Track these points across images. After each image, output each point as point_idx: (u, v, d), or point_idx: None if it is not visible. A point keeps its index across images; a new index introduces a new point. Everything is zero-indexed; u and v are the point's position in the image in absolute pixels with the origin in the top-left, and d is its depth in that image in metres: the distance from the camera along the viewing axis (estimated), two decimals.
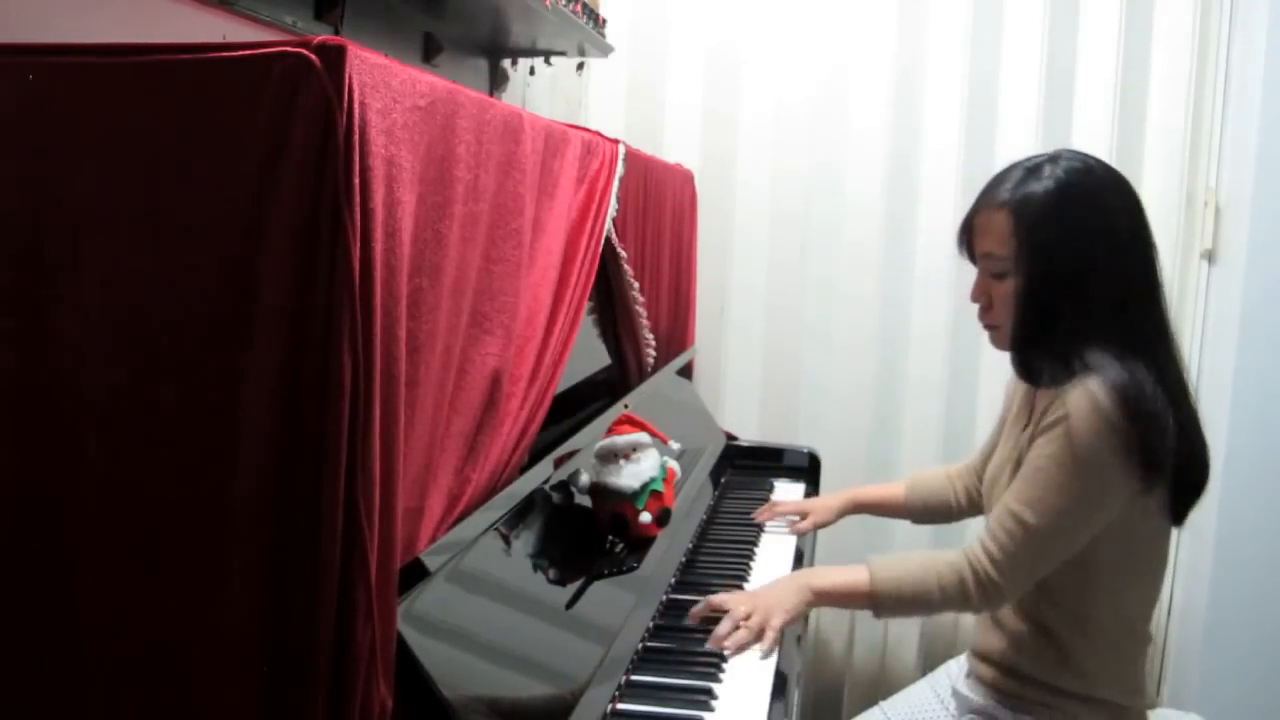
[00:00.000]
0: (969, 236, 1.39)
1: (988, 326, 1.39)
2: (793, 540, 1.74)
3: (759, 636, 1.30)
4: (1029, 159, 1.35)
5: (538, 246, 1.12)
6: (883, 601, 1.34)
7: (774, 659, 1.27)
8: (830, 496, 1.85)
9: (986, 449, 1.64)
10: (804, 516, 1.79)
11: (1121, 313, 1.29)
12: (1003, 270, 1.32)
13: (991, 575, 1.28)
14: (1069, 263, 1.29)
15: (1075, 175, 1.30)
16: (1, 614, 0.75)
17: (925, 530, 2.24)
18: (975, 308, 1.41)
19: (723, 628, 1.31)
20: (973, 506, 1.69)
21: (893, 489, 1.78)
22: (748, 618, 1.31)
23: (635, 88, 2.38)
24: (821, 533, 1.89)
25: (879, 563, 1.36)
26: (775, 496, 1.97)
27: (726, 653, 1.28)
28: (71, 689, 0.74)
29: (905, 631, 2.34)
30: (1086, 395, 1.24)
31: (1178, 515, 1.34)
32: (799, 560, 1.67)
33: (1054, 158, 1.33)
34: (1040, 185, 1.30)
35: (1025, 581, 1.30)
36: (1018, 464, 1.34)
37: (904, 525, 2.19)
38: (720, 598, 1.37)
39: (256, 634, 0.70)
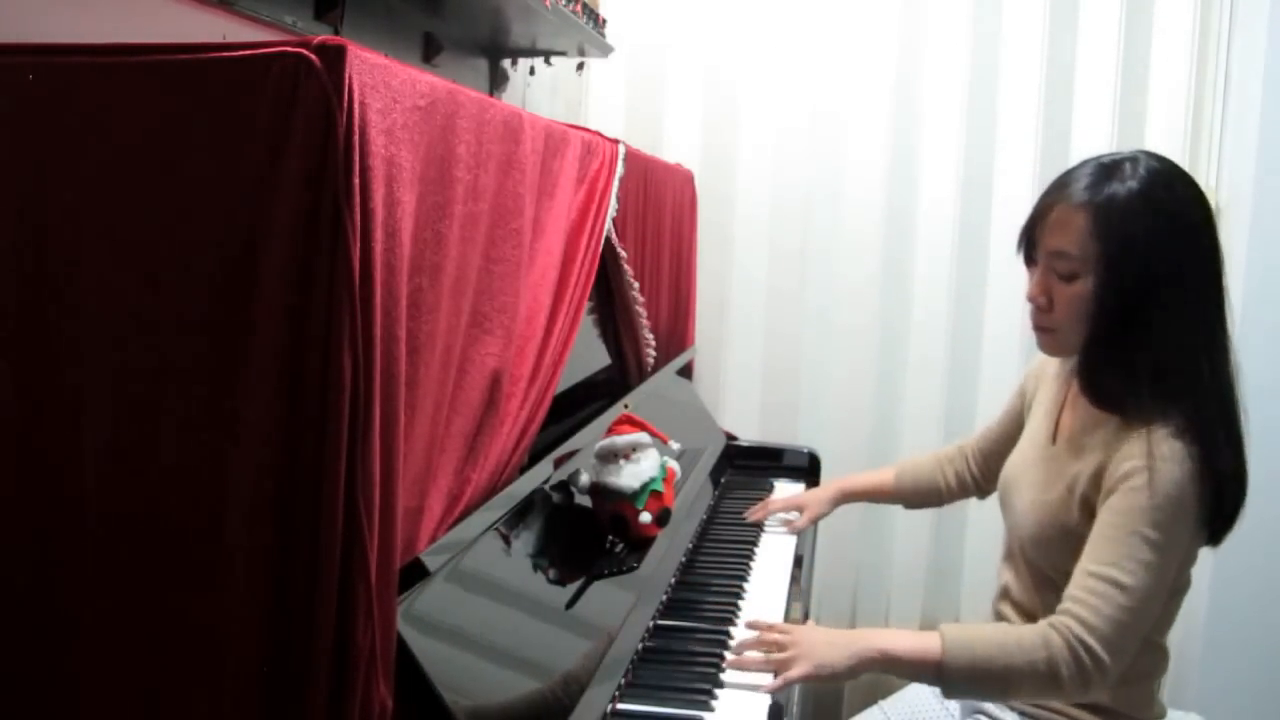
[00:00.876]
0: (1033, 233, 1.31)
1: (1042, 329, 1.32)
2: (793, 541, 1.74)
3: (772, 670, 1.23)
4: (1103, 156, 1.30)
5: (538, 246, 1.12)
6: (951, 668, 1.18)
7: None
8: (821, 489, 1.86)
9: (990, 435, 1.64)
10: (800, 512, 1.81)
11: (1200, 333, 1.24)
12: (1073, 272, 1.25)
13: (1092, 645, 1.15)
14: (1154, 271, 1.21)
15: (1160, 178, 1.24)
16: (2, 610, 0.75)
17: (925, 527, 2.25)
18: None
19: (749, 640, 1.28)
20: (963, 490, 1.69)
21: (882, 475, 1.79)
22: (781, 648, 1.24)
23: (635, 88, 2.38)
24: (821, 532, 1.89)
25: (951, 628, 1.22)
26: (774, 496, 1.97)
27: (727, 664, 1.25)
28: (70, 688, 0.74)
29: None
30: (1167, 446, 1.19)
31: (1215, 536, 1.29)
32: (799, 561, 1.67)
33: (1133, 158, 1.27)
34: (1124, 186, 1.23)
35: (1129, 650, 1.18)
36: (1069, 487, 1.29)
37: (903, 520, 2.21)
38: (777, 625, 1.31)
39: (256, 634, 0.70)
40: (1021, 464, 1.43)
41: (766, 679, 1.22)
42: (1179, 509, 1.19)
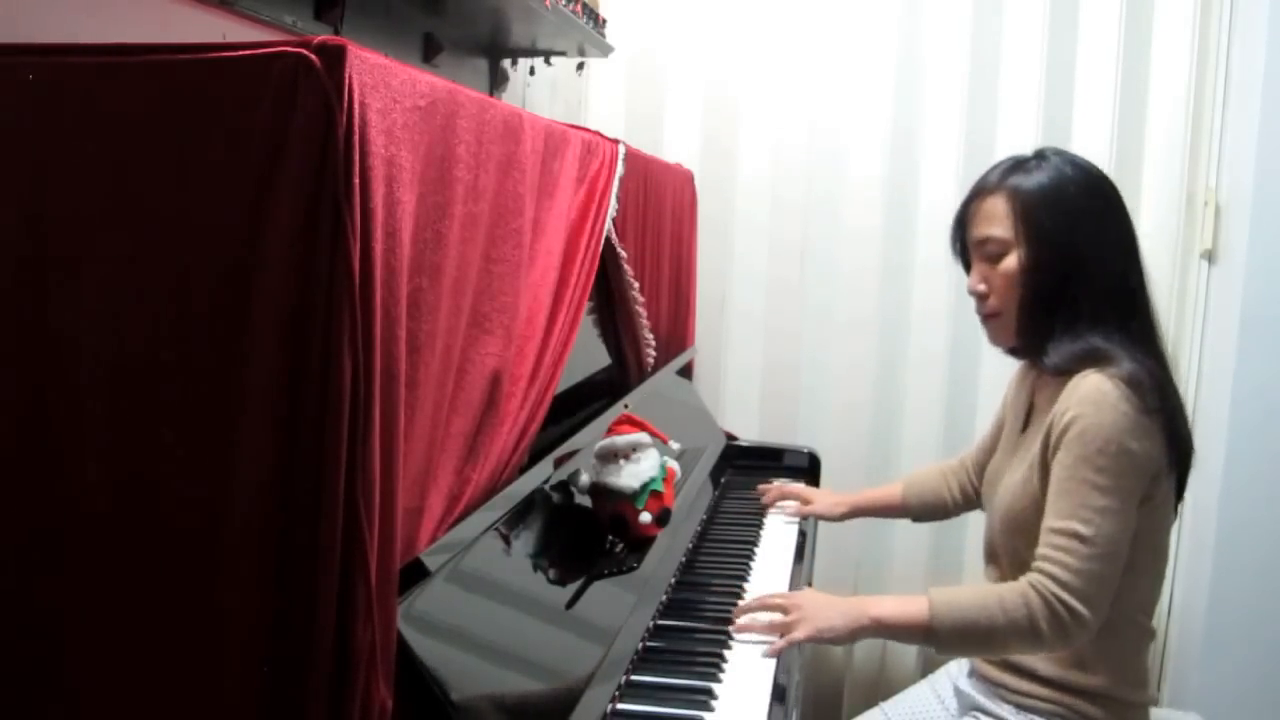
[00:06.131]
0: (963, 233, 1.43)
1: (988, 317, 1.40)
2: (793, 540, 1.75)
3: (775, 633, 1.29)
4: (1013, 156, 1.42)
5: (538, 246, 1.12)
6: (940, 628, 1.25)
7: (773, 658, 1.27)
8: (836, 496, 1.88)
9: (983, 446, 1.66)
10: (808, 503, 1.84)
11: (1117, 290, 1.32)
12: (1002, 251, 1.35)
13: (1068, 600, 1.21)
14: (1068, 232, 1.32)
15: (1064, 162, 1.37)
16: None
17: (926, 525, 2.25)
18: (974, 307, 1.41)
19: (751, 603, 1.33)
20: (968, 502, 1.71)
21: (890, 491, 1.81)
22: (783, 610, 1.31)
23: (635, 88, 2.38)
24: (821, 530, 1.89)
25: (938, 591, 1.30)
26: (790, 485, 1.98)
27: (733, 629, 1.30)
28: (70, 688, 0.74)
29: None
30: (1094, 390, 1.25)
31: (1177, 498, 1.35)
32: (800, 558, 1.68)
33: (1040, 153, 1.40)
34: (1034, 166, 1.37)
35: (1105, 596, 1.23)
36: (1030, 465, 1.33)
37: (902, 523, 2.20)
38: (779, 592, 1.38)
39: (257, 634, 0.70)
40: (999, 459, 1.49)
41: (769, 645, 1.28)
42: (1120, 450, 1.23)
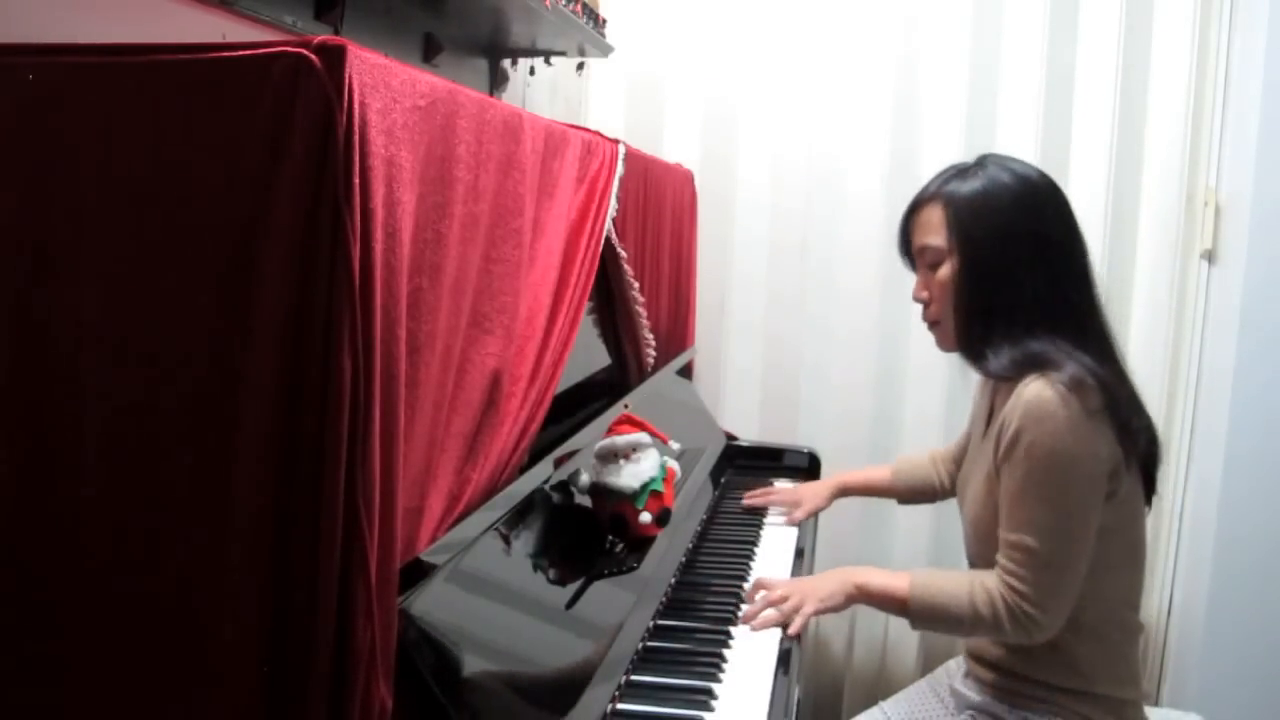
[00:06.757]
0: (908, 242, 1.44)
1: (931, 324, 1.42)
2: (793, 538, 1.75)
3: (788, 619, 1.35)
4: (955, 164, 1.42)
5: (538, 246, 1.12)
6: (915, 607, 1.33)
7: (773, 658, 1.27)
8: (819, 483, 1.92)
9: (960, 443, 1.67)
10: (797, 505, 1.84)
11: (1054, 298, 1.32)
12: (939, 259, 1.37)
13: (1028, 610, 1.26)
14: (999, 239, 1.33)
15: (1002, 169, 1.37)
16: (2, 610, 0.75)
17: (925, 524, 2.25)
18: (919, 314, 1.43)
19: (754, 606, 1.38)
20: (955, 488, 1.71)
21: (879, 471, 1.85)
22: (785, 600, 1.37)
23: (635, 88, 2.38)
24: (822, 527, 1.89)
25: (920, 571, 1.37)
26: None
27: (750, 626, 1.35)
28: (69, 688, 0.74)
29: (905, 631, 2.34)
30: (1034, 400, 1.25)
31: (1147, 493, 1.36)
32: (800, 557, 1.68)
33: (980, 161, 1.40)
34: (968, 177, 1.38)
35: (1061, 602, 1.27)
36: (988, 474, 1.34)
37: (903, 515, 2.21)
38: (764, 579, 1.44)
39: (257, 634, 0.70)
40: (967, 466, 1.50)
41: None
42: (1066, 460, 1.24)
